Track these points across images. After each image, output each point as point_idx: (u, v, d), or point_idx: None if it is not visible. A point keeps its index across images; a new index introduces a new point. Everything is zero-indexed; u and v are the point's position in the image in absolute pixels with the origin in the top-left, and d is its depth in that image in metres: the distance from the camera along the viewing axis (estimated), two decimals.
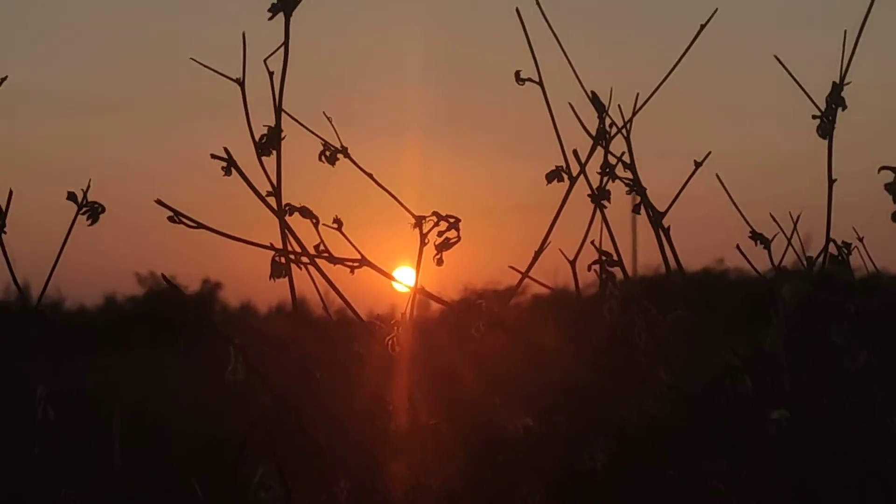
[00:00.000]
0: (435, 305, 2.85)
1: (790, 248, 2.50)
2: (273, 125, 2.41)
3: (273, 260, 2.45)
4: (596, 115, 2.38)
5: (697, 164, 2.37)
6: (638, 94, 2.31)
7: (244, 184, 2.40)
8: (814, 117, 2.31)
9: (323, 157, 2.61)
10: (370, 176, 2.59)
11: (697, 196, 2.49)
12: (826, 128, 2.30)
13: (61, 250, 2.54)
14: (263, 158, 2.42)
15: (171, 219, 2.30)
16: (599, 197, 2.42)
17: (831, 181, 2.35)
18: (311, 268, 2.47)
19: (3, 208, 2.42)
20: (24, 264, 2.52)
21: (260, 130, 2.44)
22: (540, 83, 2.41)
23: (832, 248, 2.48)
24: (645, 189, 2.34)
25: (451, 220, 2.53)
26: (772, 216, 2.33)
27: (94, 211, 2.55)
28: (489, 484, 2.67)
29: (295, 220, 2.45)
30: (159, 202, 2.28)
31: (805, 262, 2.40)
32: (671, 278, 2.29)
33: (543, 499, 2.66)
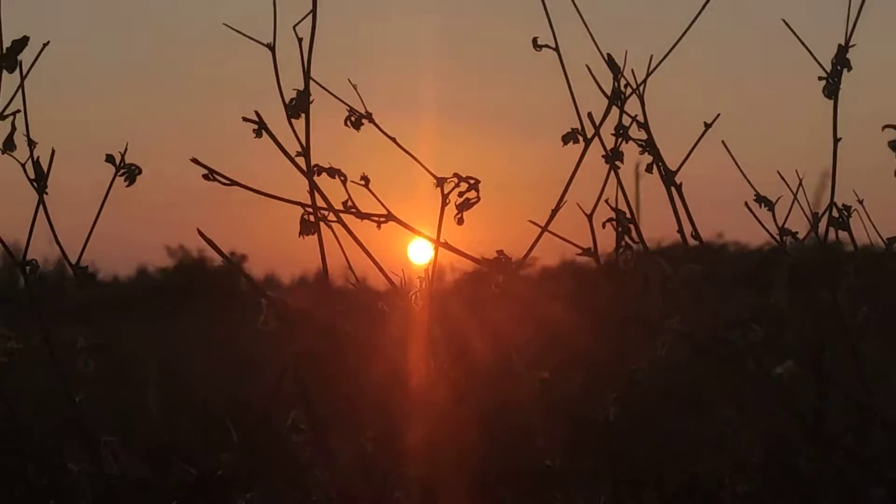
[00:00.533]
0: (449, 277, 2.84)
1: (795, 207, 2.48)
2: (302, 89, 2.40)
3: (302, 218, 2.45)
4: (611, 78, 2.37)
5: (707, 126, 2.36)
6: (652, 56, 2.30)
7: (271, 157, 2.39)
8: (820, 78, 2.31)
9: (348, 122, 2.59)
10: (393, 140, 2.58)
11: (710, 164, 2.48)
12: (832, 88, 2.30)
13: (99, 211, 2.53)
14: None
15: (205, 176, 2.29)
16: (613, 158, 2.41)
17: (836, 140, 2.35)
18: (336, 227, 2.47)
19: (46, 169, 2.41)
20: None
21: (289, 97, 2.43)
22: (556, 49, 2.40)
23: (833, 212, 2.48)
24: (658, 149, 2.33)
25: (472, 182, 2.52)
26: (779, 174, 2.32)
27: (131, 173, 2.54)
28: (506, 434, 2.67)
29: (322, 183, 2.45)
30: (194, 160, 2.28)
31: (811, 220, 2.38)
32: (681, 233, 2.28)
33: (558, 449, 2.66)
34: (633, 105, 2.34)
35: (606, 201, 2.37)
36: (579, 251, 2.28)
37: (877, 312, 2.57)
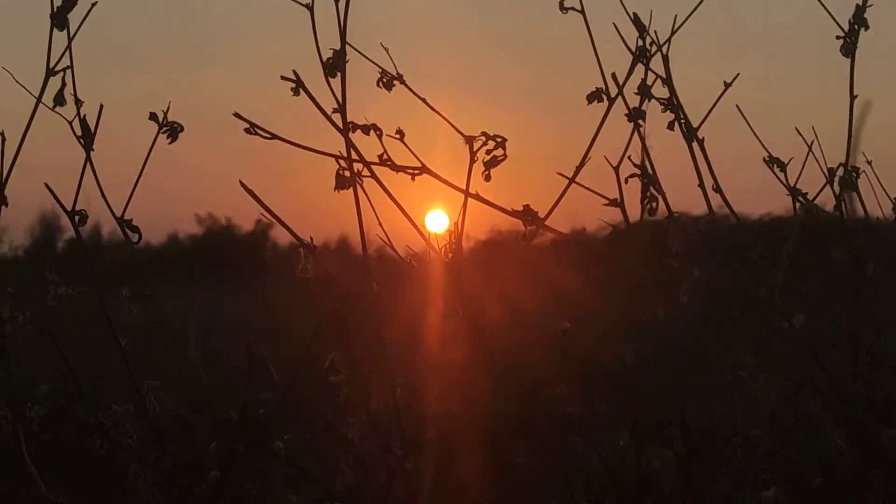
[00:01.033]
0: (466, 245, 2.80)
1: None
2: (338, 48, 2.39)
3: (338, 173, 2.44)
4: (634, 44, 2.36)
5: (727, 85, 2.35)
6: (676, 16, 2.29)
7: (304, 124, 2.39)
8: (837, 37, 2.29)
9: (380, 84, 2.58)
10: (423, 100, 2.58)
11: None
12: (849, 47, 2.29)
13: (142, 168, 2.52)
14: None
15: (247, 130, 2.29)
16: (636, 116, 2.40)
17: (853, 98, 2.34)
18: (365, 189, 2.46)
19: (94, 126, 2.41)
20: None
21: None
22: (582, 11, 2.39)
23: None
24: (679, 106, 2.32)
25: (499, 139, 2.51)
26: (797, 130, 2.31)
27: (173, 130, 2.54)
28: (528, 382, 2.67)
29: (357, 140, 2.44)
30: (237, 115, 2.27)
31: (827, 176, 2.37)
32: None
33: (577, 396, 2.65)
34: (656, 66, 2.32)
35: (629, 158, 2.36)
36: (606, 202, 2.27)
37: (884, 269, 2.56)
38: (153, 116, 2.51)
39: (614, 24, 2.26)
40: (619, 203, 2.28)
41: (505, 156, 2.51)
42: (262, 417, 2.07)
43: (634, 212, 2.39)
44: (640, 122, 2.39)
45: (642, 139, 2.37)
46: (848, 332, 2.26)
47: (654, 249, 2.38)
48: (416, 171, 2.36)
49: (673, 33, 2.29)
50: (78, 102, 2.41)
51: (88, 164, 2.43)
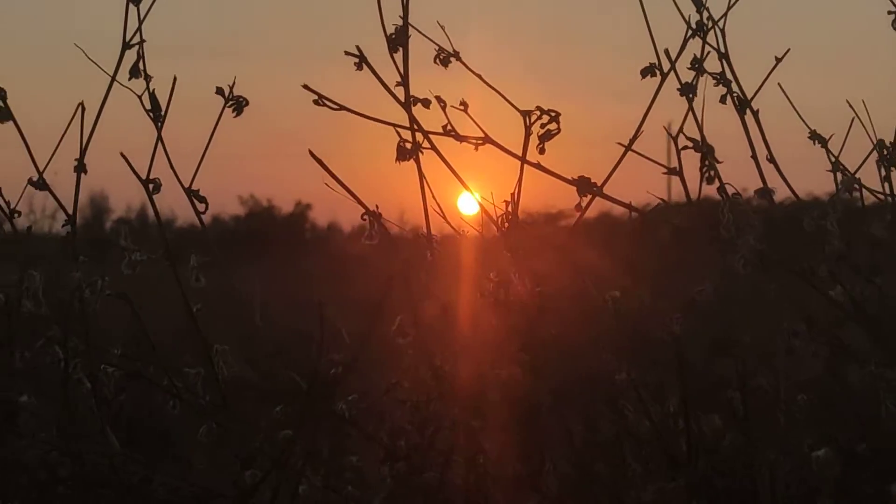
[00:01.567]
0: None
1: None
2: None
3: (399, 145, 2.41)
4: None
5: (778, 60, 2.31)
6: None
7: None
8: (889, 13, 2.25)
9: (437, 60, 2.54)
10: (479, 76, 2.53)
11: None
12: None
13: (209, 143, 2.49)
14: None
15: (315, 102, 2.25)
16: (687, 90, 2.35)
17: None
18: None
19: (168, 99, 2.38)
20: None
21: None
22: None
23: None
24: (732, 80, 2.28)
25: (553, 114, 2.48)
26: (848, 102, 2.26)
27: (238, 104, 2.52)
28: (577, 348, 2.63)
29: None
30: (306, 87, 2.24)
31: (877, 148, 2.32)
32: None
33: (625, 364, 2.62)
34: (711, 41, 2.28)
35: (682, 131, 2.32)
36: (665, 170, 2.23)
37: None
38: (220, 91, 2.48)
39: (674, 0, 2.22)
40: (677, 171, 2.24)
41: (559, 130, 2.47)
42: (333, 379, 2.04)
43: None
44: (692, 95, 2.34)
45: (693, 113, 2.32)
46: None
47: (704, 221, 2.35)
48: (479, 142, 2.32)
49: (730, 8, 2.25)
50: (147, 78, 2.39)
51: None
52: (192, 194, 2.50)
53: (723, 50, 2.27)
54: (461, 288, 2.51)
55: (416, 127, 2.32)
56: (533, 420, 2.28)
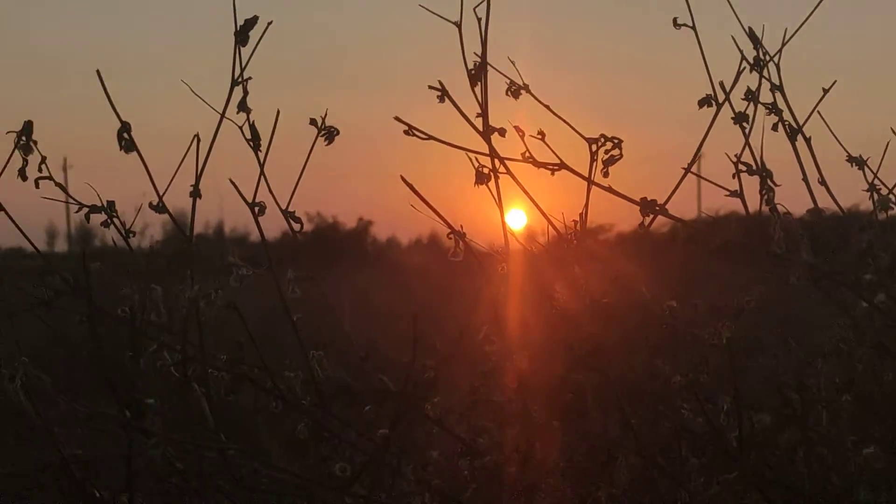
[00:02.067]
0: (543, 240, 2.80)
1: None
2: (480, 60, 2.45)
3: (477, 170, 2.50)
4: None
5: (825, 91, 2.39)
6: (786, 29, 2.33)
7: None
8: None
9: (509, 93, 2.63)
10: (547, 107, 2.62)
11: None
12: None
13: (304, 167, 2.58)
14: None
15: (406, 132, 2.35)
16: (740, 119, 2.44)
17: None
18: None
19: (272, 131, 2.48)
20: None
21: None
22: (693, 28, 2.43)
23: None
24: (782, 111, 2.36)
25: (616, 141, 2.56)
26: (893, 130, 2.33)
27: (330, 134, 2.61)
28: (638, 353, 2.71)
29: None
30: (397, 119, 2.34)
31: None
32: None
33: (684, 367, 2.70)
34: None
35: (737, 156, 2.41)
36: (727, 193, 2.32)
37: None
38: (313, 121, 2.59)
39: (732, 37, 2.31)
40: (738, 194, 2.33)
41: (621, 155, 2.56)
42: (427, 382, 2.14)
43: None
44: (745, 123, 2.43)
45: (747, 140, 2.41)
46: None
47: (755, 238, 2.43)
48: (555, 167, 2.42)
49: (784, 44, 2.34)
50: (247, 110, 2.50)
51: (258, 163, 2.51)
52: (289, 216, 2.62)
53: (777, 83, 2.35)
54: (532, 297, 2.60)
55: (496, 154, 2.42)
56: (602, 418, 2.37)
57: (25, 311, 2.17)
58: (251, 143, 2.56)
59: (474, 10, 2.43)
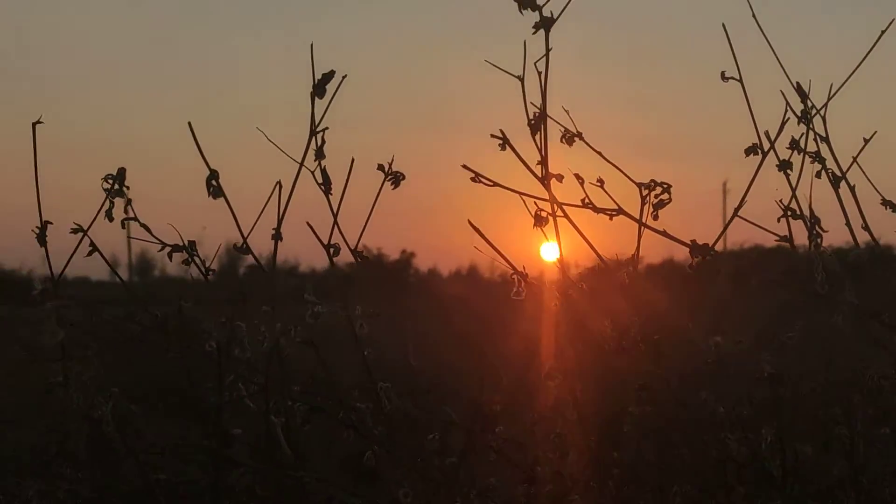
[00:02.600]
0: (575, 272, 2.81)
1: None
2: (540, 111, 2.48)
3: (536, 214, 2.52)
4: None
5: (866, 141, 2.40)
6: (832, 84, 2.35)
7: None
8: None
9: (563, 140, 2.66)
10: (599, 153, 2.64)
11: None
12: None
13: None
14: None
15: (473, 179, 2.38)
16: (784, 167, 2.45)
17: None
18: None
19: (346, 178, 2.50)
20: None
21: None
22: (740, 80, 2.45)
23: None
24: (825, 159, 2.38)
25: (665, 186, 2.58)
26: None
27: (396, 178, 2.64)
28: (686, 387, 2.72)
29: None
30: (465, 166, 2.36)
31: None
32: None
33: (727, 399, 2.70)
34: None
35: (780, 201, 2.42)
36: (776, 238, 2.33)
37: None
38: (381, 167, 2.61)
39: (781, 91, 2.33)
40: (787, 239, 2.34)
41: (670, 199, 2.58)
42: (493, 414, 2.16)
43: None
44: (788, 171, 2.44)
45: (790, 186, 2.42)
46: None
47: (795, 277, 2.44)
48: (613, 213, 2.44)
49: (829, 98, 2.36)
50: (323, 157, 2.53)
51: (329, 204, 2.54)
52: (357, 255, 2.64)
53: (823, 135, 2.37)
54: (584, 332, 2.61)
55: (555, 200, 2.44)
56: (655, 448, 2.38)
57: (119, 344, 2.21)
58: (322, 188, 2.59)
59: (535, 64, 2.45)
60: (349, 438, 2.44)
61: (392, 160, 2.62)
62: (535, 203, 2.51)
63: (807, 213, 2.30)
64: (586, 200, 2.42)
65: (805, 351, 2.74)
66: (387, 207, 2.60)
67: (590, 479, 2.25)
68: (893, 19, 2.32)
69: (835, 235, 2.49)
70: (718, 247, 2.53)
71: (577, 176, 2.42)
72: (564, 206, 2.43)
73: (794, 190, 2.34)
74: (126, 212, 2.58)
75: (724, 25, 2.44)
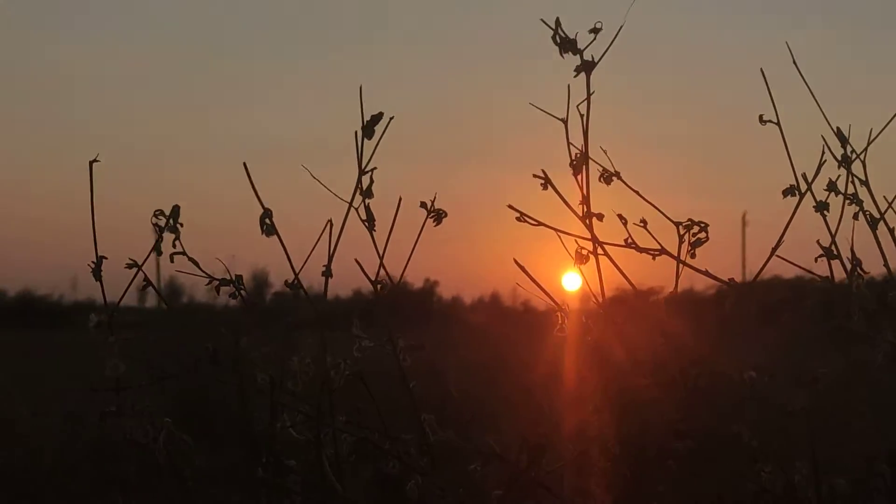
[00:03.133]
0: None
1: None
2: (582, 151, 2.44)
3: (577, 251, 2.48)
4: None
5: None
6: (871, 129, 2.30)
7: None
8: None
9: (601, 179, 2.61)
10: (637, 192, 2.60)
11: None
12: None
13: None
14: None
15: (518, 218, 2.34)
16: (821, 207, 2.41)
17: None
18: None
19: (394, 215, 2.47)
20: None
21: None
22: (778, 124, 2.41)
23: None
24: (862, 201, 2.33)
25: (702, 225, 2.54)
26: None
27: (438, 216, 2.60)
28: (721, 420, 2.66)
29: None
30: (511, 206, 2.32)
31: None
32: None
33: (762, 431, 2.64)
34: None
35: (818, 242, 2.37)
36: (818, 278, 2.28)
37: None
38: (423, 204, 2.58)
39: (822, 136, 2.28)
40: (830, 279, 2.29)
41: (707, 238, 2.54)
42: (540, 446, 2.11)
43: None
44: (826, 211, 2.40)
45: (828, 226, 2.38)
46: None
47: (829, 312, 2.39)
48: (656, 252, 2.39)
49: (869, 144, 2.31)
50: (371, 196, 2.49)
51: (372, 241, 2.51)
52: (399, 287, 2.60)
53: (863, 178, 2.32)
54: (620, 365, 2.56)
55: (597, 239, 2.40)
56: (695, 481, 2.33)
57: (171, 377, 2.17)
58: (366, 224, 2.55)
59: (577, 107, 2.42)
60: (394, 468, 2.39)
61: (435, 198, 2.58)
62: (575, 241, 2.47)
63: (842, 251, 2.25)
64: (629, 240, 2.37)
65: (841, 386, 2.69)
66: (409, 236, 2.56)
67: None
68: None
69: (867, 267, 2.44)
70: (740, 278, 2.49)
71: (621, 216, 2.38)
72: (605, 245, 2.38)
73: (833, 235, 2.29)
74: (174, 246, 2.55)
75: (762, 70, 2.40)
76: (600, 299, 2.45)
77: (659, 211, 2.54)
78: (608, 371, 2.48)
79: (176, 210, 2.37)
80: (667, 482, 2.24)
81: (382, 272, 2.56)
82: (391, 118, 2.40)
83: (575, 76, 2.45)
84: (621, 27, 2.38)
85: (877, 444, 2.59)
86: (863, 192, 2.31)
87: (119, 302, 2.47)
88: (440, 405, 2.52)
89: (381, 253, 2.45)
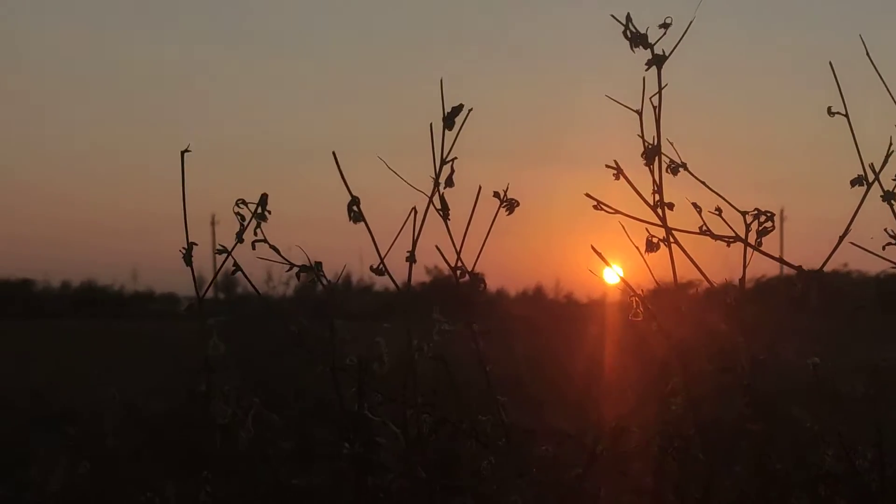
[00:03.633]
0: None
1: None
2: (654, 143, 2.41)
3: (648, 240, 2.45)
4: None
5: None
6: None
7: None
8: None
9: (668, 170, 2.58)
10: (703, 183, 2.55)
11: None
12: None
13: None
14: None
15: (595, 207, 2.31)
16: (888, 196, 2.36)
17: None
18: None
19: (474, 204, 2.44)
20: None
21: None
22: (846, 115, 2.36)
23: None
24: None
25: (769, 214, 2.50)
26: None
27: (510, 205, 2.57)
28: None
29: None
30: (588, 195, 2.30)
31: None
32: None
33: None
34: None
35: (886, 230, 2.33)
36: (892, 266, 2.24)
37: None
38: (496, 194, 2.55)
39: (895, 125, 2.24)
40: None
41: (773, 227, 2.50)
42: (618, 431, 2.09)
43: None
44: (893, 201, 2.35)
45: (894, 214, 2.33)
46: None
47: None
48: (731, 240, 2.36)
49: None
50: (437, 185, 2.46)
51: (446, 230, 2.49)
52: (474, 277, 2.58)
53: None
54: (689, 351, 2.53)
55: (668, 226, 2.36)
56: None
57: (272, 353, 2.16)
58: (441, 213, 2.53)
59: (650, 99, 2.38)
60: (473, 447, 2.37)
61: (507, 188, 2.56)
62: (646, 229, 2.44)
63: None
64: (703, 227, 2.34)
65: None
66: (457, 229, 2.52)
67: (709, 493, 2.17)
68: None
69: None
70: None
71: (695, 205, 2.34)
72: (669, 232, 2.35)
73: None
74: (255, 234, 2.54)
75: (830, 63, 2.36)
76: (671, 287, 2.42)
77: (726, 201, 2.51)
78: (680, 358, 2.45)
79: (264, 198, 2.36)
80: (741, 463, 2.20)
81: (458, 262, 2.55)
82: (470, 110, 2.38)
83: (646, 69, 2.42)
84: (691, 23, 2.35)
85: None
86: None
87: (207, 289, 2.47)
88: (514, 387, 2.50)
89: (457, 244, 2.43)
